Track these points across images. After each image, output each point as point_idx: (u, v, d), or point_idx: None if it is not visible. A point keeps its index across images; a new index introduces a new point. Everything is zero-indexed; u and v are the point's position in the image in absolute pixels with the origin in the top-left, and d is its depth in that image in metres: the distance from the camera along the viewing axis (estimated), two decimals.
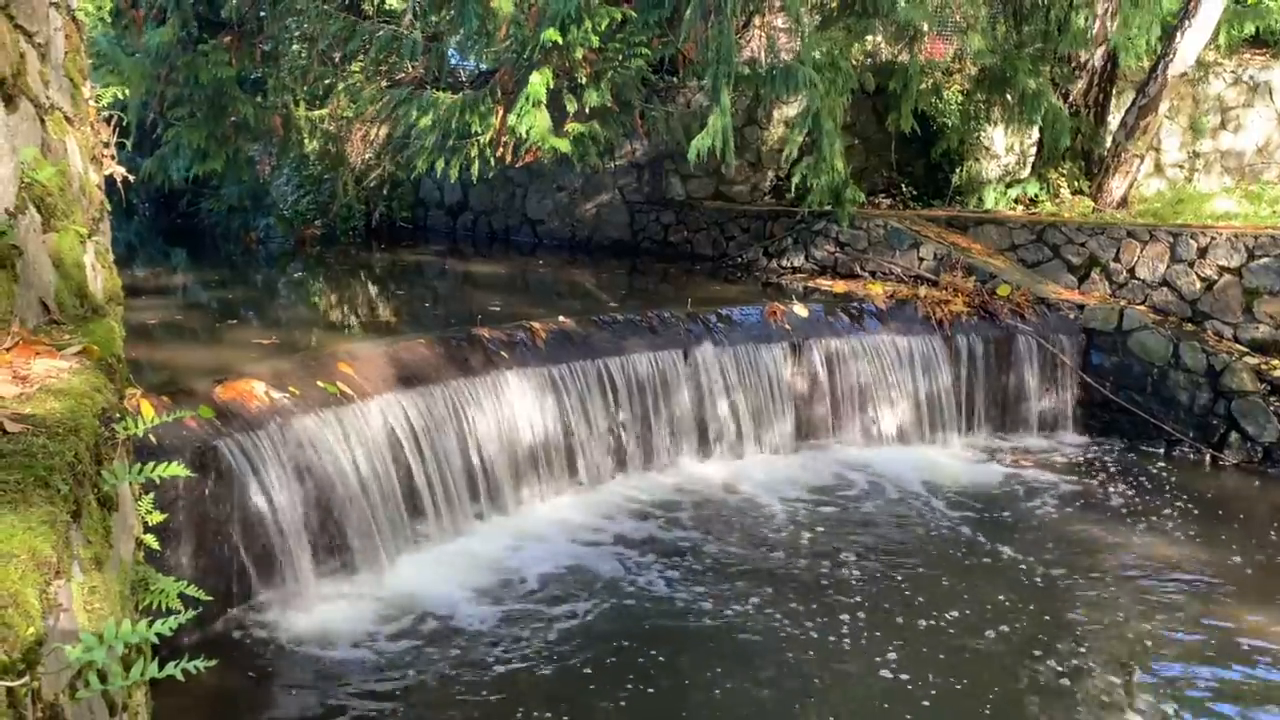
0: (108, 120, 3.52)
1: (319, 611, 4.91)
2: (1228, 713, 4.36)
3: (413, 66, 13.42)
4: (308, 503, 5.02)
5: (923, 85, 9.62)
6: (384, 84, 12.11)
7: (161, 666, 2.04)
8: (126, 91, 10.08)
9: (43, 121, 2.95)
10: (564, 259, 12.30)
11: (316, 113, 12.09)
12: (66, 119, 3.26)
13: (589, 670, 4.52)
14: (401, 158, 11.80)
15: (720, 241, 11.24)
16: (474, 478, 5.92)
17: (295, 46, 11.09)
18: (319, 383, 5.35)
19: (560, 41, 7.64)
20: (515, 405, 6.27)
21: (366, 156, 13.36)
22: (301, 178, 13.58)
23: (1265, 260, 7.54)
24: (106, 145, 3.51)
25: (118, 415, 1.99)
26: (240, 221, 12.87)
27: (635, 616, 5.04)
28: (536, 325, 6.77)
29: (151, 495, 2.35)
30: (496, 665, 4.54)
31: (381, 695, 4.32)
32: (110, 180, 3.76)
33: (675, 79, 11.58)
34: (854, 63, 10.09)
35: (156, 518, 2.35)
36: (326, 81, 11.79)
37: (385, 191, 14.01)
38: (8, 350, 2.27)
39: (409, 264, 11.58)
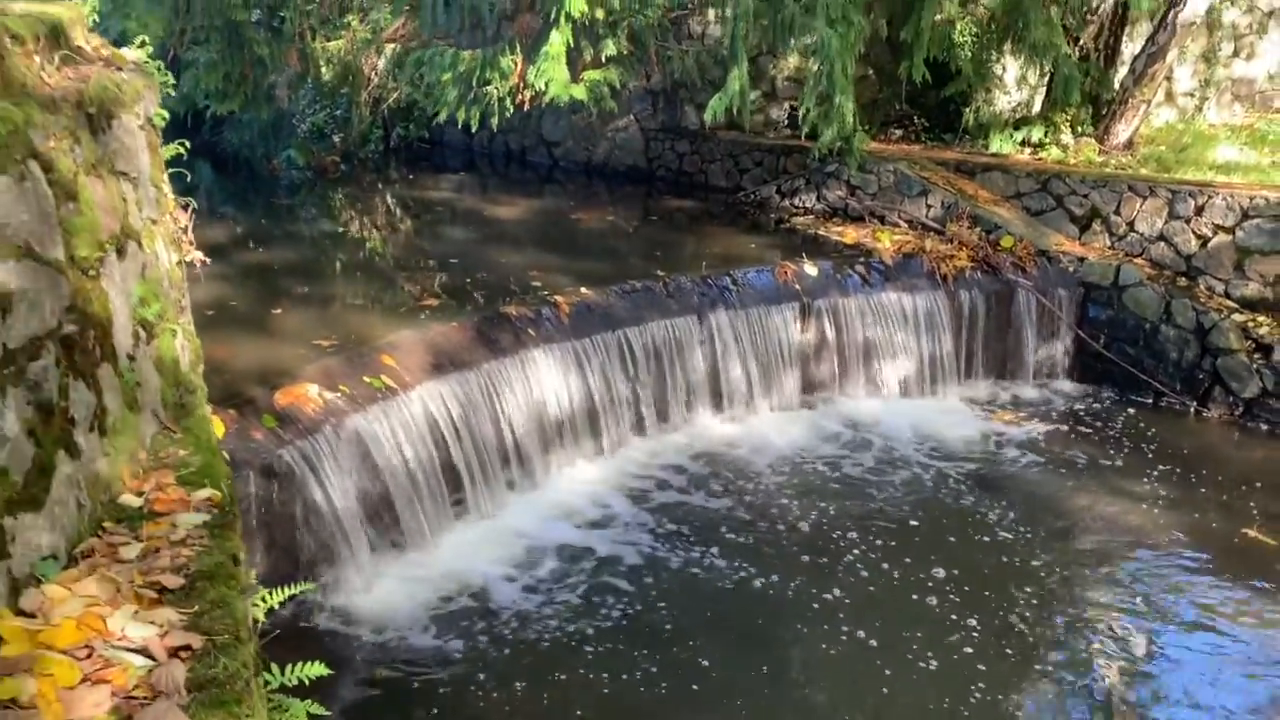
0: (185, 208, 3.89)
1: (373, 590, 5.53)
2: (1179, 673, 4.97)
3: None
4: (361, 493, 5.58)
5: (937, 18, 9.67)
6: None
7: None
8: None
9: (140, 243, 3.36)
10: (580, 185, 12.59)
11: (332, 44, 12.19)
12: (153, 221, 3.66)
13: (620, 636, 5.13)
14: (418, 84, 11.94)
15: (734, 174, 11.49)
16: (507, 454, 6.46)
17: None
18: (365, 378, 5.83)
19: (585, 9, 7.79)
20: (543, 380, 6.75)
21: (380, 68, 13.46)
22: (318, 91, 13.73)
23: (1258, 221, 7.83)
24: (185, 230, 3.90)
25: (251, 585, 2.49)
26: (263, 149, 13.13)
27: (655, 580, 5.67)
28: (560, 299, 7.19)
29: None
30: (529, 634, 5.17)
31: (432, 664, 4.96)
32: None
33: (690, 2, 11.59)
34: None
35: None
36: (340, 11, 11.91)
37: (401, 108, 14.14)
38: (151, 502, 2.76)
39: (429, 193, 11.88)
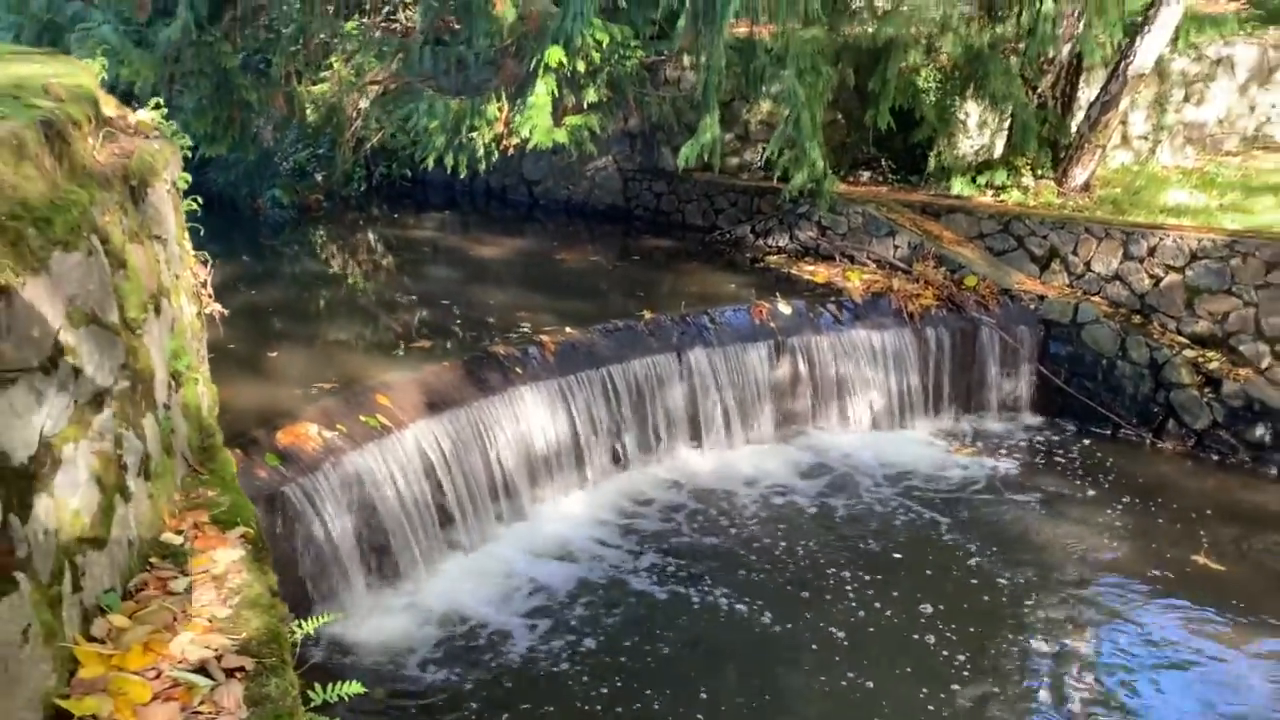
0: (204, 263, 4.18)
1: (368, 620, 5.77)
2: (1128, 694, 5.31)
3: (405, 18, 13.80)
4: (358, 528, 5.84)
5: (902, 65, 10.13)
6: (378, 34, 12.60)
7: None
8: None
9: (169, 300, 3.64)
10: (561, 223, 12.94)
11: (318, 88, 12.51)
12: (177, 277, 3.94)
13: (607, 666, 5.41)
14: (406, 131, 12.28)
15: (710, 213, 11.89)
16: (496, 488, 6.74)
17: (289, 29, 11.46)
18: (361, 417, 6.10)
19: (565, 61, 8.16)
20: (530, 417, 7.04)
21: (363, 108, 13.79)
22: (302, 132, 14.03)
23: (1206, 262, 8.27)
24: (204, 285, 4.19)
25: (288, 614, 2.77)
26: (248, 189, 13.40)
27: (639, 610, 5.96)
28: (546, 339, 7.50)
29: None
30: (518, 664, 5.43)
31: (424, 693, 5.21)
32: None
33: (665, 51, 11.99)
34: (838, 37, 10.57)
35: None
36: (324, 54, 12.23)
37: (384, 147, 14.46)
38: (191, 539, 3.03)
39: (413, 231, 12.21)
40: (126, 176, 3.15)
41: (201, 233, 4.85)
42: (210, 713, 2.21)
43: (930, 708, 5.15)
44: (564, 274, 10.19)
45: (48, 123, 2.55)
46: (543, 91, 8.63)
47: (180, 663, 2.36)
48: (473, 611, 5.91)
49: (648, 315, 8.14)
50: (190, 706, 2.23)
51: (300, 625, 2.82)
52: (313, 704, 2.50)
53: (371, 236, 12.44)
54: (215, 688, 2.28)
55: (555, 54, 8.13)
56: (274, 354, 6.94)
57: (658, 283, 9.73)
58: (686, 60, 11.75)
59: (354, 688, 2.53)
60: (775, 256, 10.49)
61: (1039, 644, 5.77)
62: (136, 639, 2.39)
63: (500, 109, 9.18)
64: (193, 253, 4.12)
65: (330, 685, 2.55)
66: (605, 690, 5.26)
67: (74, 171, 2.71)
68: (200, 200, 4.76)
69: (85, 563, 2.43)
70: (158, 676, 2.29)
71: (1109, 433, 8.57)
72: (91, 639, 2.37)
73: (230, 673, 2.35)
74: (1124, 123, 11.43)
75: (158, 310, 3.34)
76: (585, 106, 9.59)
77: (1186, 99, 11.80)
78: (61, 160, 2.63)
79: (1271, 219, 8.85)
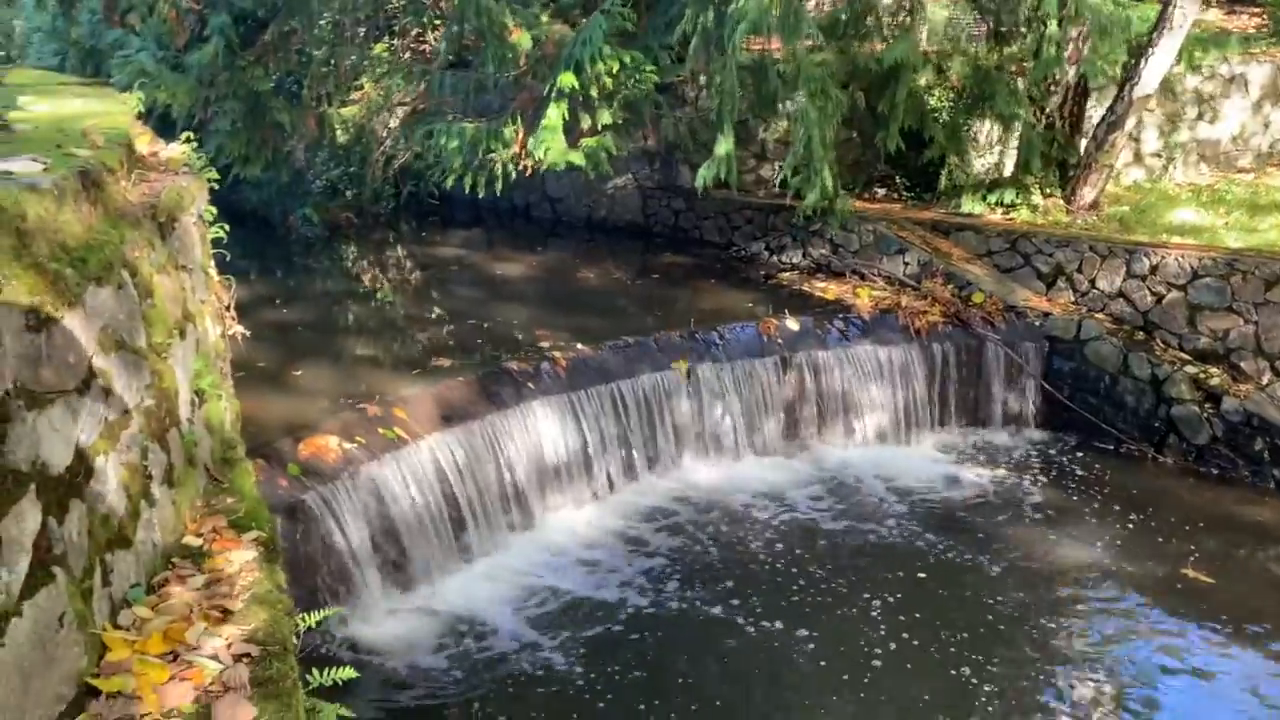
0: (229, 287, 4.52)
1: (384, 623, 6.10)
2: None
3: (434, 39, 14.20)
4: (375, 534, 6.16)
5: (911, 85, 10.35)
6: (407, 56, 13.08)
7: None
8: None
9: (194, 324, 3.98)
10: (582, 240, 13.27)
11: (348, 110, 12.95)
12: (202, 301, 4.29)
13: (613, 673, 5.68)
14: (428, 152, 12.68)
15: (726, 230, 12.15)
16: (507, 498, 7.04)
17: (320, 53, 11.90)
18: (380, 430, 6.44)
19: (576, 85, 8.49)
20: (541, 430, 7.35)
21: (392, 127, 14.23)
22: (333, 152, 14.50)
23: (1207, 280, 8.43)
24: (228, 308, 4.53)
25: (293, 609, 3.08)
26: (280, 206, 13.85)
27: (645, 619, 6.22)
28: (558, 355, 7.81)
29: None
30: (526, 669, 5.72)
31: (433, 694, 5.51)
32: None
33: (680, 74, 12.29)
34: (848, 60, 10.81)
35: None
36: (354, 76, 12.69)
37: (412, 166, 14.90)
38: (210, 541, 3.36)
39: (439, 249, 12.60)
40: (155, 214, 3.48)
41: (233, 251, 5.18)
42: (220, 691, 2.52)
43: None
44: (584, 291, 10.50)
45: (84, 172, 2.88)
46: (555, 115, 8.96)
47: (195, 649, 2.68)
48: (483, 616, 6.21)
49: (658, 332, 8.42)
50: (203, 685, 2.54)
51: (304, 618, 3.12)
52: (310, 687, 2.80)
53: (399, 253, 12.83)
54: (225, 670, 2.59)
55: (567, 78, 8.46)
56: (299, 371, 7.30)
57: (674, 299, 10.00)
58: (702, 79, 12.04)
59: (347, 673, 2.83)
60: (788, 273, 10.75)
61: (1036, 660, 5.95)
62: (157, 628, 2.71)
63: (517, 131, 9.52)
64: (217, 278, 4.46)
65: (325, 670, 2.85)
66: (613, 698, 5.51)
67: (107, 213, 3.05)
68: (234, 218, 5.12)
69: (114, 560, 2.75)
70: (175, 660, 2.61)
71: (1112, 447, 8.73)
72: (118, 627, 2.69)
73: (238, 658, 2.66)
74: (1136, 140, 11.58)
75: (182, 334, 3.68)
76: (600, 128, 9.91)
77: (1200, 117, 11.91)
78: (96, 204, 2.97)
79: (1274, 237, 8.98)
